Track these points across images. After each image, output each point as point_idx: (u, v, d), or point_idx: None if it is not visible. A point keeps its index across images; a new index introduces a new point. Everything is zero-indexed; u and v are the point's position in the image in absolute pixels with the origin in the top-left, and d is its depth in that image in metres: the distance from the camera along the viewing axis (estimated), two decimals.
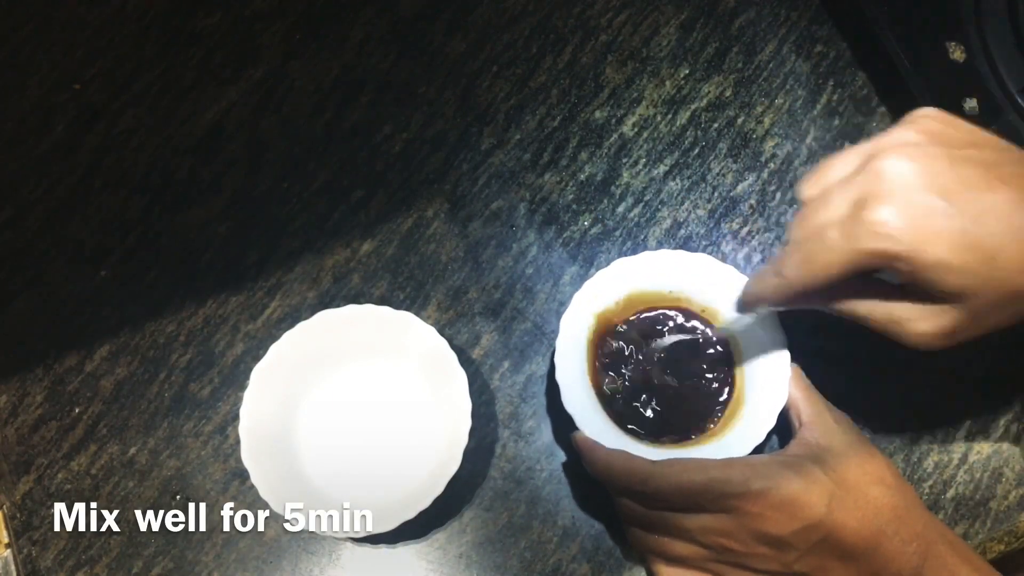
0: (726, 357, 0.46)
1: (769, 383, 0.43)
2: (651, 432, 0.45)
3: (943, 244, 0.31)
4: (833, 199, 0.34)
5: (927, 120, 0.34)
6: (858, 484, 0.38)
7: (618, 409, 0.45)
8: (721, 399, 0.45)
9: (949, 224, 0.31)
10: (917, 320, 0.34)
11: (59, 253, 0.53)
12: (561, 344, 0.44)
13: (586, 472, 0.42)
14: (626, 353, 0.46)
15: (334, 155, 0.54)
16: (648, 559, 0.42)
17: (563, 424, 0.46)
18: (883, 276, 0.35)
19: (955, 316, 0.33)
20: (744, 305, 0.42)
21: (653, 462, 0.39)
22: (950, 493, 0.47)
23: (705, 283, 0.46)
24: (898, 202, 0.31)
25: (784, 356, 0.43)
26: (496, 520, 0.47)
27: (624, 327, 0.47)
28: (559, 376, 0.43)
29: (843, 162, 0.36)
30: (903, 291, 0.34)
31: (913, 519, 0.38)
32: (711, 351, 0.46)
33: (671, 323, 0.47)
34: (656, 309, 0.47)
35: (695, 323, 0.47)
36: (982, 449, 0.47)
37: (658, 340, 0.46)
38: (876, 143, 0.34)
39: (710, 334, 0.46)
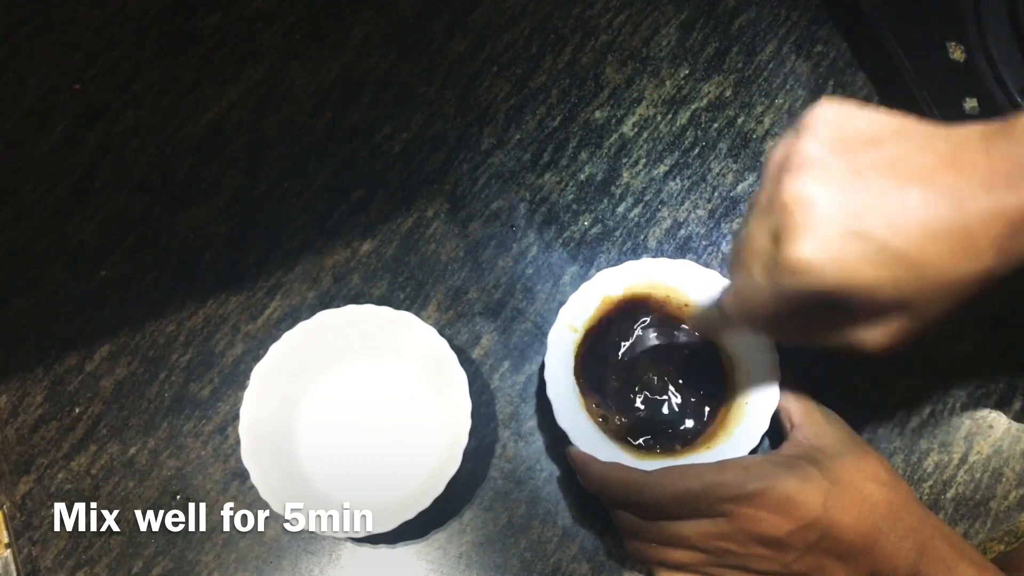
0: (716, 363, 0.46)
1: (760, 386, 0.43)
2: (645, 442, 0.44)
3: (866, 266, 0.30)
4: (753, 235, 0.34)
5: (824, 126, 0.33)
6: (853, 481, 0.38)
7: (610, 421, 0.45)
8: (713, 405, 0.45)
9: (867, 245, 0.30)
10: (867, 334, 0.34)
11: (59, 253, 0.53)
12: (550, 360, 0.44)
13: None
14: (616, 364, 0.46)
15: (334, 155, 0.54)
16: (649, 569, 0.42)
17: (557, 438, 0.46)
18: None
19: (901, 322, 0.33)
20: (699, 333, 0.44)
21: (648, 472, 0.39)
22: (950, 493, 0.47)
23: (690, 289, 0.46)
24: (811, 235, 0.31)
25: (773, 358, 0.43)
26: (496, 520, 0.47)
27: (614, 338, 0.46)
28: (550, 392, 0.43)
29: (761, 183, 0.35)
30: (847, 309, 0.34)
31: (909, 514, 0.38)
32: (701, 357, 0.46)
33: (659, 331, 0.47)
34: (643, 318, 0.47)
35: (683, 330, 0.47)
36: (982, 449, 0.47)
37: (647, 349, 0.46)
38: (779, 162, 0.33)
39: (699, 341, 0.46)
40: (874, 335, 0.34)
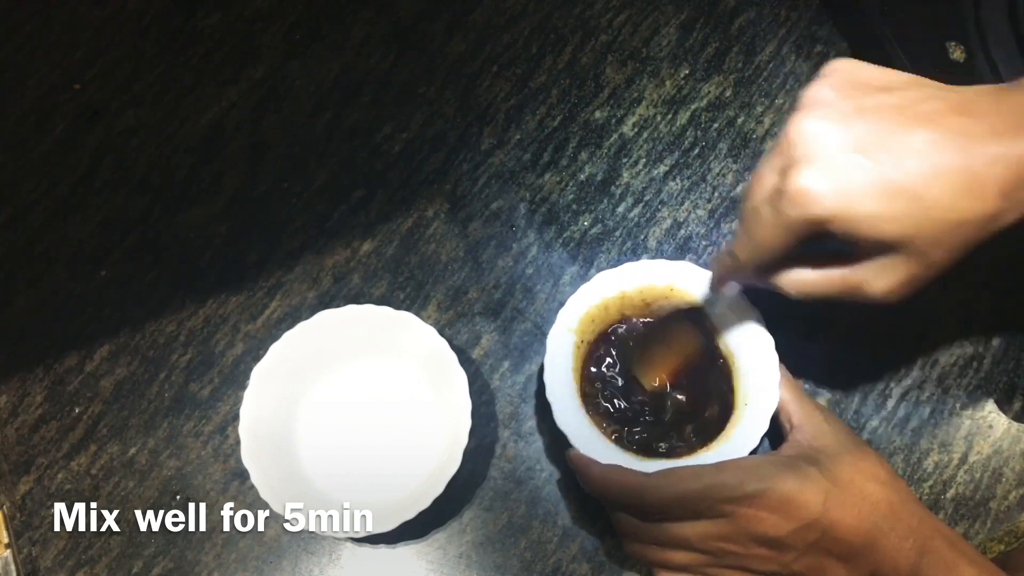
0: (716, 364, 0.46)
1: (759, 387, 0.43)
2: (644, 444, 0.44)
3: (868, 197, 0.31)
4: (763, 174, 0.35)
5: (838, 73, 0.34)
6: (852, 481, 0.38)
7: (610, 424, 0.45)
8: (712, 406, 0.45)
9: (869, 176, 0.31)
10: (873, 280, 0.34)
11: (59, 253, 0.53)
12: (549, 363, 0.44)
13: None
14: (616, 366, 0.46)
15: (334, 155, 0.54)
16: (650, 571, 0.42)
17: (557, 439, 0.46)
18: (828, 246, 0.35)
19: (906, 264, 0.33)
20: (711, 286, 0.43)
21: (648, 474, 0.39)
22: (950, 493, 0.47)
23: (688, 291, 0.46)
24: (815, 165, 0.32)
25: (773, 360, 0.43)
26: (496, 520, 0.47)
27: (612, 340, 0.46)
28: (550, 395, 0.43)
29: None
30: (852, 255, 0.35)
31: (909, 514, 0.38)
32: (700, 359, 0.46)
33: (658, 333, 0.46)
34: (642, 319, 0.47)
35: (682, 331, 0.46)
36: (982, 449, 0.47)
37: (646, 351, 0.46)
38: (795, 105, 0.34)
39: (698, 342, 0.46)
40: (879, 280, 0.34)
